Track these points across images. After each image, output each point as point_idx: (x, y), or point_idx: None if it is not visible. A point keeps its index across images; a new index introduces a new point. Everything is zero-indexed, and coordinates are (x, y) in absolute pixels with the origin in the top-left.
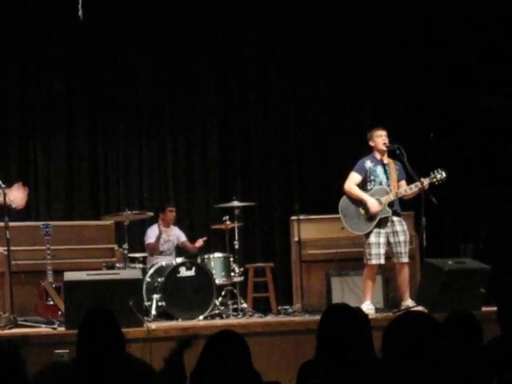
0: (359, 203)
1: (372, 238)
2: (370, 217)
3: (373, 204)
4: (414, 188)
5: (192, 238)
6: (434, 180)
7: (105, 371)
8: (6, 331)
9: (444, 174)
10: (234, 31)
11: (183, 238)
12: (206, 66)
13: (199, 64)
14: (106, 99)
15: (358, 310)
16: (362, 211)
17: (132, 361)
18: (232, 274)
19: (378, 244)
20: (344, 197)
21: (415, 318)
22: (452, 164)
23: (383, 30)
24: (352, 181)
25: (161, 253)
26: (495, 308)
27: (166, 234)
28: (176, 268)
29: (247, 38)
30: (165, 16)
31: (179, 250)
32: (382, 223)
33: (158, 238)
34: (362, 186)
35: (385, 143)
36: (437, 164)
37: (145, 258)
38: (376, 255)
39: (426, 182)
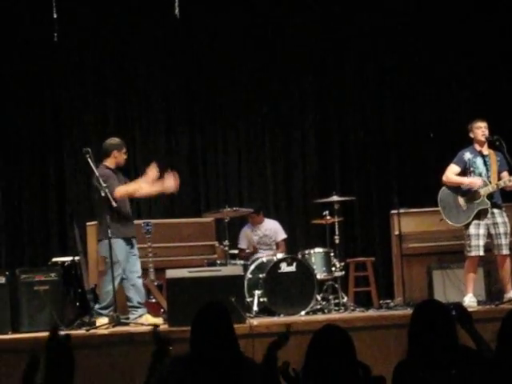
0: (458, 194)
1: (471, 230)
2: (472, 202)
3: (473, 180)
4: None
5: (292, 233)
6: None
7: (221, 368)
8: (110, 329)
9: None
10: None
11: (282, 235)
12: (303, 64)
13: (295, 62)
14: (204, 97)
15: (458, 306)
16: (462, 202)
17: (244, 360)
18: (333, 268)
19: (478, 235)
20: (443, 188)
21: None
22: None
23: (487, 24)
24: (451, 172)
25: (259, 249)
26: None
27: (260, 231)
28: (277, 264)
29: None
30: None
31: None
32: (482, 215)
33: (250, 240)
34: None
35: (484, 134)
36: None
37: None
38: (475, 247)
39: None
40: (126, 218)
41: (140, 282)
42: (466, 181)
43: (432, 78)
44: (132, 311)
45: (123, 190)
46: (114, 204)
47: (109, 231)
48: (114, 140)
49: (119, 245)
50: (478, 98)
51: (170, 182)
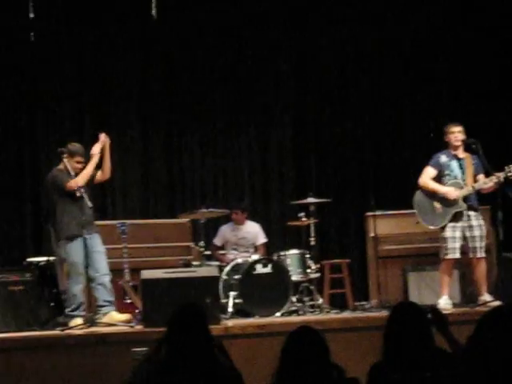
0: (434, 197)
1: (447, 232)
2: (448, 205)
3: (449, 191)
4: (489, 182)
5: (268, 234)
6: (510, 174)
7: (196, 370)
8: (84, 330)
9: None
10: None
11: (261, 239)
12: (282, 64)
13: (272, 62)
14: (179, 98)
15: (433, 308)
16: (437, 205)
17: (219, 363)
18: (308, 270)
19: (454, 238)
20: (418, 191)
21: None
22: None
23: (463, 22)
24: (427, 175)
25: (236, 249)
26: None
27: (240, 232)
28: (252, 265)
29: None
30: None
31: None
32: (458, 217)
33: (226, 239)
34: (437, 180)
35: (457, 140)
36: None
37: (221, 255)
38: (452, 249)
39: (501, 176)
40: (77, 216)
41: (107, 279)
42: (441, 190)
43: (409, 78)
44: (98, 310)
45: (81, 175)
46: (78, 194)
47: (62, 232)
48: (72, 146)
49: (73, 245)
50: (455, 97)
51: (101, 137)
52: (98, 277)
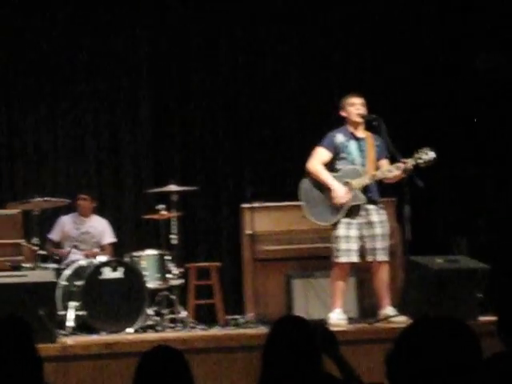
0: (325, 186)
1: (341, 230)
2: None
3: (339, 193)
4: (396, 170)
5: (119, 231)
6: (420, 161)
7: None
8: None
9: (431, 155)
10: None
11: (108, 238)
12: (139, 35)
13: (131, 32)
14: (17, 74)
15: (318, 325)
16: (329, 196)
17: None
18: (168, 275)
19: (349, 237)
20: (307, 178)
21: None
22: (444, 139)
23: None
24: (318, 158)
25: (77, 247)
26: (494, 318)
27: (83, 226)
28: (98, 268)
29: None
30: None
31: None
32: (354, 212)
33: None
34: (331, 165)
35: (359, 114)
36: (425, 140)
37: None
38: (345, 251)
39: (409, 163)
40: None
41: None
42: (331, 186)
43: (292, 48)
44: None
45: None
46: None
47: None
48: None
49: None
50: (350, 68)
51: None
52: None
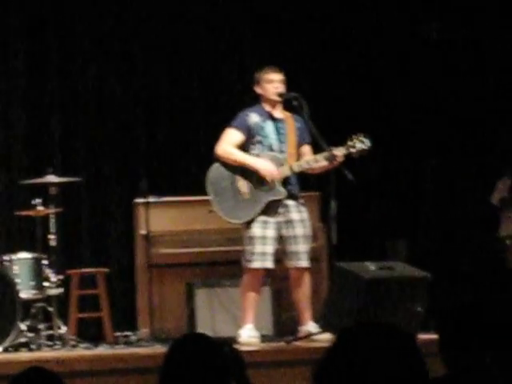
0: (239, 174)
1: (255, 230)
2: (261, 188)
3: (267, 168)
4: (322, 160)
5: None
6: (353, 150)
7: None
8: None
9: (367, 143)
10: None
11: None
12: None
13: None
14: None
15: (226, 346)
16: (243, 187)
17: None
18: (46, 283)
19: (265, 239)
20: (215, 165)
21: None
22: (379, 123)
23: None
24: (229, 141)
25: None
26: (436, 335)
27: None
28: None
29: None
30: None
31: None
32: (272, 209)
33: None
34: (244, 150)
35: (278, 91)
36: (358, 126)
37: None
38: (260, 255)
39: (339, 152)
40: None
41: None
42: (253, 164)
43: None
44: None
45: None
46: None
47: None
48: None
49: None
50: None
51: None
52: None
